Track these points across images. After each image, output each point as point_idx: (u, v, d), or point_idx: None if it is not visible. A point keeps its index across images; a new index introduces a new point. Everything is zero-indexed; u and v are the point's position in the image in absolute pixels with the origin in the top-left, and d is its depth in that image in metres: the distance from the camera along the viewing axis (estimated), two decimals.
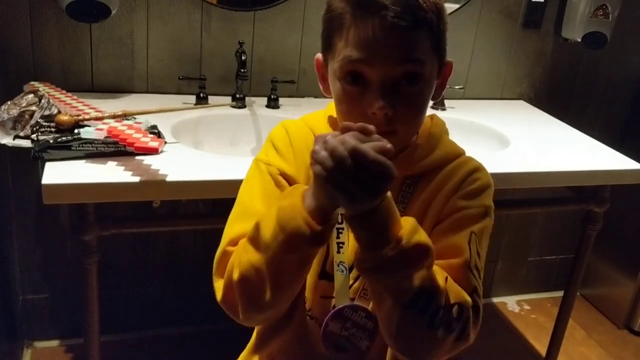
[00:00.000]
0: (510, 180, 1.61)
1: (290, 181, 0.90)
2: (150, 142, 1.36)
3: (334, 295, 0.90)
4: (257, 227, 0.78)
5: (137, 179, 1.25)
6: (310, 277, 0.91)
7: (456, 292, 0.79)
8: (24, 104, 1.41)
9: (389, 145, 0.67)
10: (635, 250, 2.43)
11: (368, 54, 0.78)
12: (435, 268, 0.78)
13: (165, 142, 1.43)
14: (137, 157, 1.34)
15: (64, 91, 1.58)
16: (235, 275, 0.80)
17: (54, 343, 2.03)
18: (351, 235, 0.85)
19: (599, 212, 1.85)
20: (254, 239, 0.78)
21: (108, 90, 1.76)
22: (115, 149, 1.33)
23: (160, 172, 1.29)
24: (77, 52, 1.71)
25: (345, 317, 0.86)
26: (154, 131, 1.44)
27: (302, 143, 0.92)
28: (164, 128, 1.50)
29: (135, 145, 1.33)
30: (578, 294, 2.57)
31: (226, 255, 0.85)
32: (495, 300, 2.58)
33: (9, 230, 1.84)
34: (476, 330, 0.82)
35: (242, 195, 0.92)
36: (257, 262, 0.77)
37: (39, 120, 1.36)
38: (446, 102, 2.00)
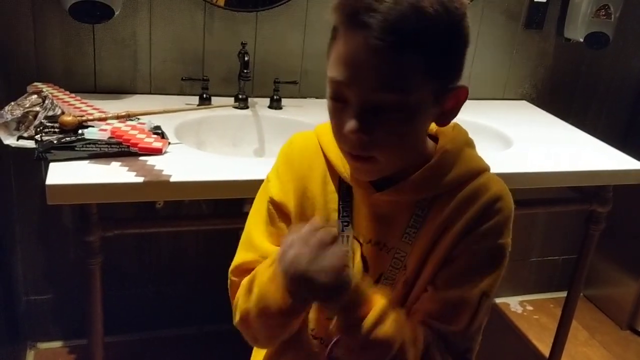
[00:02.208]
0: (512, 181, 1.58)
1: (279, 208, 0.90)
2: (154, 142, 1.36)
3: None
4: (251, 281, 0.83)
5: (140, 179, 1.25)
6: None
7: None
8: (27, 105, 1.41)
9: (345, 259, 0.71)
10: (638, 250, 2.43)
11: (347, 75, 0.72)
12: (419, 335, 0.80)
13: (169, 143, 1.43)
14: (141, 158, 1.34)
15: (68, 92, 1.59)
16: (236, 318, 0.86)
17: (57, 344, 2.03)
18: (369, 254, 0.86)
19: (602, 213, 1.85)
20: (249, 290, 0.83)
21: (111, 91, 1.76)
22: (118, 150, 1.33)
23: (164, 173, 1.29)
24: (80, 53, 1.71)
25: (338, 346, 0.83)
26: (158, 132, 1.44)
27: (304, 160, 0.91)
28: (168, 129, 1.50)
29: (139, 145, 1.33)
30: (581, 294, 2.58)
31: (232, 285, 0.91)
32: (498, 300, 2.58)
33: (12, 232, 1.84)
34: None
35: (248, 220, 0.94)
36: (250, 313, 0.82)
37: (42, 121, 1.36)
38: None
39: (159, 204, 1.62)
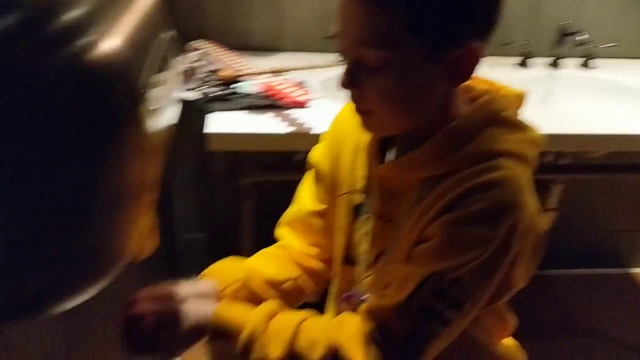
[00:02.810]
0: None
1: (316, 170, 0.95)
2: (300, 96, 1.47)
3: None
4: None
5: (288, 130, 1.36)
6: (336, 263, 0.94)
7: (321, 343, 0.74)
8: (190, 61, 1.57)
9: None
10: None
11: (338, 28, 0.72)
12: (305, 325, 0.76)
13: (313, 98, 1.52)
14: (288, 111, 1.45)
15: (224, 49, 1.73)
16: None
17: None
18: (374, 227, 0.85)
19: None
20: None
21: (262, 48, 1.89)
22: (268, 103, 1.45)
23: (307, 125, 1.39)
24: (236, 13, 1.84)
25: (354, 304, 0.86)
26: (303, 87, 1.54)
27: (344, 126, 0.91)
28: (312, 84, 1.59)
29: (287, 99, 1.44)
30: None
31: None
32: (636, 270, 2.46)
33: (173, 176, 2.06)
34: None
35: None
36: None
37: (203, 75, 1.51)
38: (593, 61, 1.91)
39: (298, 157, 1.73)
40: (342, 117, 0.93)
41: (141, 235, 0.63)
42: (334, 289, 0.97)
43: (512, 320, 0.96)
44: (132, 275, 0.72)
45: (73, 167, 0.45)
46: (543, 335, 2.04)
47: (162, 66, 0.63)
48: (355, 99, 0.75)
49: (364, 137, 0.85)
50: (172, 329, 0.75)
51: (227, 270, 0.88)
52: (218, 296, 0.83)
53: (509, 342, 0.99)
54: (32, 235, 0.47)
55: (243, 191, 1.56)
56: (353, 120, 0.85)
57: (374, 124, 0.77)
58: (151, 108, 0.54)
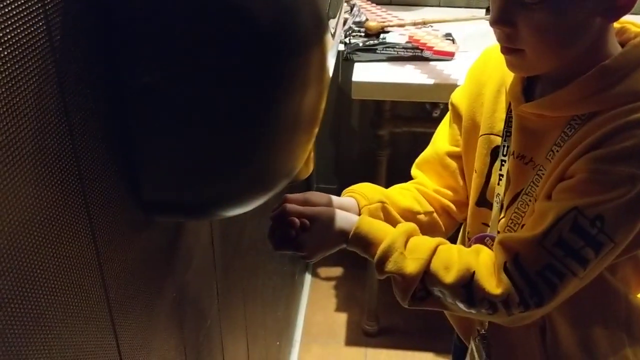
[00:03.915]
0: None
1: (454, 110, 0.94)
2: (447, 47, 1.47)
3: (489, 223, 0.90)
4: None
5: (431, 81, 1.37)
6: (470, 204, 0.93)
7: (457, 265, 0.75)
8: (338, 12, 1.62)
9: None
10: None
11: None
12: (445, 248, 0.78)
13: (459, 51, 1.52)
14: (431, 63, 1.46)
15: (371, 2, 1.76)
16: None
17: None
18: (513, 168, 0.84)
19: None
20: None
21: (406, 3, 1.89)
22: (413, 54, 1.46)
23: (452, 77, 1.39)
24: None
25: (487, 245, 0.85)
26: (449, 38, 1.54)
27: (487, 67, 0.90)
28: (458, 37, 1.58)
29: (434, 49, 1.45)
30: None
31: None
32: None
33: None
34: (511, 309, 0.73)
35: None
36: None
37: (351, 25, 1.56)
38: None
39: (436, 113, 1.74)
40: (485, 60, 0.92)
41: (301, 161, 0.69)
42: (465, 232, 0.99)
43: None
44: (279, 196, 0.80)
45: (261, 86, 0.51)
46: None
47: (336, 8, 0.67)
48: (506, 37, 0.73)
49: (507, 79, 0.84)
50: (315, 231, 0.80)
51: (367, 191, 0.92)
52: (357, 212, 0.88)
53: None
54: (223, 146, 0.54)
55: (381, 141, 1.60)
56: (496, 63, 0.85)
57: (524, 64, 0.75)
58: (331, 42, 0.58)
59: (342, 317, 2.02)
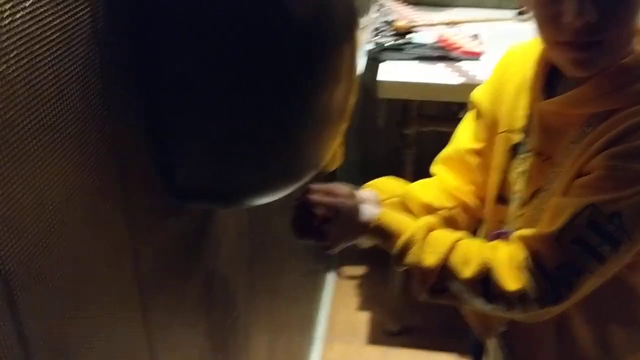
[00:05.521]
0: None
1: (476, 106, 0.93)
2: (475, 47, 1.47)
3: (506, 220, 0.90)
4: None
5: (459, 81, 1.38)
6: (489, 201, 0.93)
7: (476, 261, 0.75)
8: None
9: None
10: None
11: None
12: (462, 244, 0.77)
13: (486, 51, 1.52)
14: (459, 63, 1.46)
15: (400, 2, 1.77)
16: None
17: None
18: (532, 165, 0.84)
19: None
20: None
21: (435, 3, 1.90)
22: (441, 54, 1.47)
23: (479, 77, 1.39)
24: None
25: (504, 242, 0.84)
26: (477, 39, 1.54)
27: (510, 66, 0.90)
28: (486, 38, 1.58)
29: (462, 49, 1.46)
30: None
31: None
32: None
33: None
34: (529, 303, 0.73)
35: None
36: None
37: (379, 25, 1.57)
38: None
39: (462, 114, 1.73)
40: (508, 59, 0.93)
41: (329, 154, 0.71)
42: (483, 228, 0.99)
43: None
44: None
45: (296, 78, 0.52)
46: None
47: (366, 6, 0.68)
48: (587, 29, 0.69)
49: (528, 77, 0.85)
50: (338, 221, 0.80)
51: (388, 185, 0.93)
52: (378, 205, 0.88)
53: None
54: (256, 135, 0.55)
55: (407, 140, 1.61)
56: (519, 62, 0.85)
57: (594, 59, 0.72)
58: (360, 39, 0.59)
59: (365, 316, 2.03)
